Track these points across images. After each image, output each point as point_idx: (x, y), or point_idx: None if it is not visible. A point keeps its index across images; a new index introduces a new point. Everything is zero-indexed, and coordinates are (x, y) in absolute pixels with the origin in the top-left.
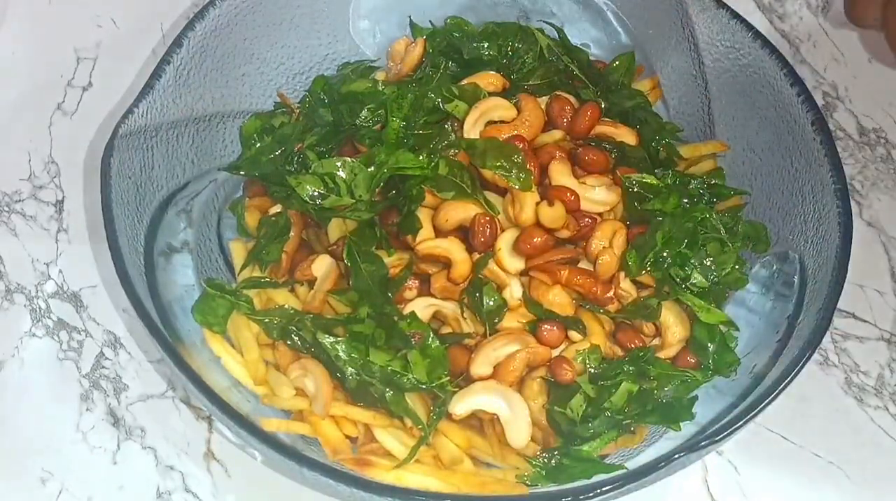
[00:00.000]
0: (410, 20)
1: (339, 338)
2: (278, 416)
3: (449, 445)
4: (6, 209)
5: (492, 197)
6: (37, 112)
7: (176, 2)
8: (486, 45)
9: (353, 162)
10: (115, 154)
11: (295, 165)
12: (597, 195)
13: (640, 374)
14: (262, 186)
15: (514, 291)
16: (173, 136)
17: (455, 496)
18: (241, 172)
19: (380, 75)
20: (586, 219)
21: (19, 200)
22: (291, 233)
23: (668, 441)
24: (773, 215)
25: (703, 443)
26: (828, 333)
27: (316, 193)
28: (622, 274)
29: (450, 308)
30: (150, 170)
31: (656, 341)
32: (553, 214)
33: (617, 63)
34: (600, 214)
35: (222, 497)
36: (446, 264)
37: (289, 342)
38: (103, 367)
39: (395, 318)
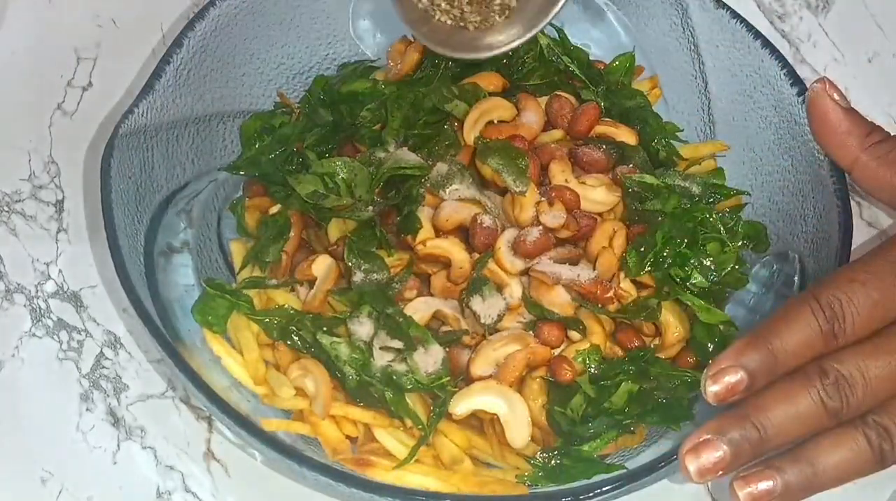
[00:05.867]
0: None
1: (340, 338)
2: (278, 416)
3: (449, 445)
4: (6, 209)
5: (492, 197)
6: (37, 112)
7: (176, 2)
8: None
9: (353, 162)
10: (115, 154)
11: (295, 165)
12: (597, 195)
13: (640, 374)
14: (262, 186)
15: (514, 291)
16: (173, 136)
17: (455, 496)
18: (241, 172)
19: (380, 75)
20: (586, 220)
21: (19, 200)
22: (291, 233)
23: (668, 441)
24: (773, 215)
25: None
26: None
27: (316, 193)
28: (622, 274)
29: (450, 308)
30: (150, 170)
31: (656, 341)
32: (553, 214)
33: (617, 63)
34: (600, 214)
35: (222, 497)
36: (446, 264)
37: (289, 342)
38: (103, 367)
39: (398, 319)
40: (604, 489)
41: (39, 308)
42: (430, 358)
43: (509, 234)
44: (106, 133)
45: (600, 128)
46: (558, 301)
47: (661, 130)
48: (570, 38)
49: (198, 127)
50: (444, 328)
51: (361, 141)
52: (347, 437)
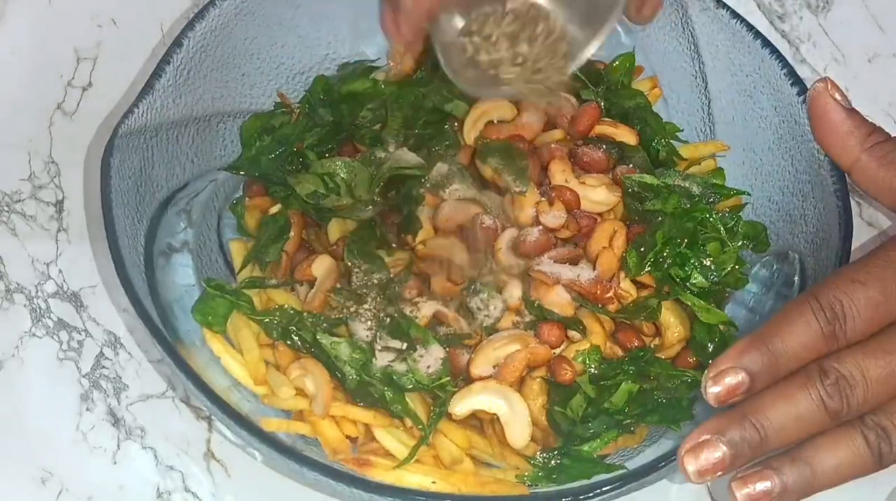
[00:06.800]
0: None
1: (340, 338)
2: (278, 416)
3: (449, 445)
4: (6, 209)
5: (492, 197)
6: (37, 112)
7: (176, 2)
8: None
9: (353, 162)
10: (115, 154)
11: (295, 165)
12: (597, 195)
13: (640, 374)
14: (262, 186)
15: (514, 291)
16: (173, 136)
17: (455, 496)
18: (241, 172)
19: (380, 75)
20: (586, 220)
21: (19, 200)
22: (291, 233)
23: (668, 441)
24: (773, 215)
25: None
26: None
27: (316, 193)
28: (622, 274)
29: (450, 308)
30: (150, 170)
31: (656, 341)
32: (553, 214)
33: (617, 63)
34: (600, 214)
35: (222, 497)
36: (446, 264)
37: (289, 342)
38: (103, 367)
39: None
40: (604, 489)
41: (39, 308)
42: (430, 358)
43: (509, 234)
44: (106, 133)
45: (600, 128)
46: (558, 301)
47: (661, 130)
48: None
49: (198, 127)
50: (444, 328)
51: (361, 141)
52: (347, 437)
